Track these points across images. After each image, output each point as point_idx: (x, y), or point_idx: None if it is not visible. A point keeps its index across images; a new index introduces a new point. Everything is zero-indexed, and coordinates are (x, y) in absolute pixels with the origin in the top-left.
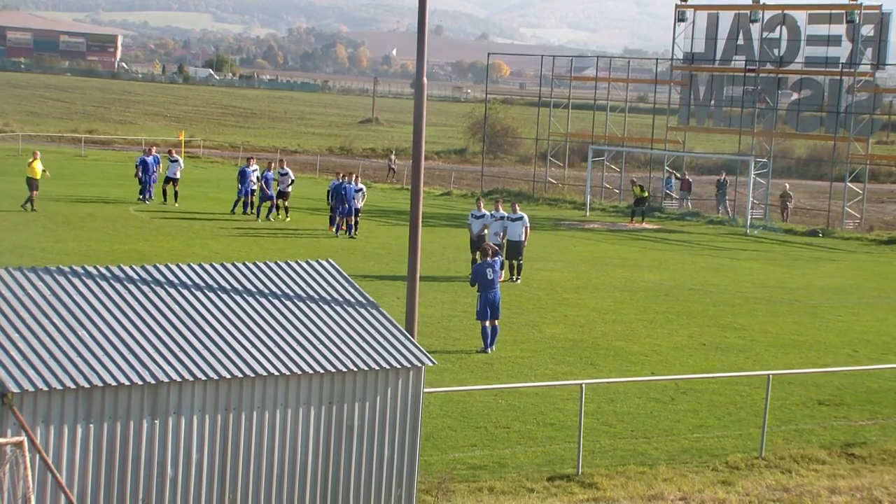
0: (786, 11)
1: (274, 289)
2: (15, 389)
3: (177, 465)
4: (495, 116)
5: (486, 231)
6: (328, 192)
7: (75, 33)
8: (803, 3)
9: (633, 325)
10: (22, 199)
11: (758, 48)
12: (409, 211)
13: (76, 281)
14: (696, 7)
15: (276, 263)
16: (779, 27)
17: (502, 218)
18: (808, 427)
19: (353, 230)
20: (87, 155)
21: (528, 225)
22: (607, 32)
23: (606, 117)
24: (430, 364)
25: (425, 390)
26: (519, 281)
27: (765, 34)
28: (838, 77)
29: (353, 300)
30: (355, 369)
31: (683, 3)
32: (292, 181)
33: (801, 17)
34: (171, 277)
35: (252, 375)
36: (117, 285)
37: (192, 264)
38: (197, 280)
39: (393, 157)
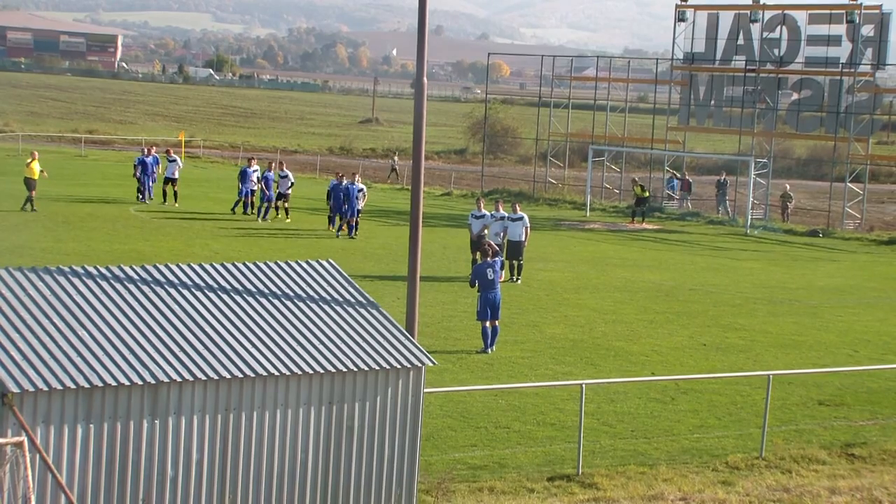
0: (786, 11)
1: (274, 289)
2: (15, 389)
3: (177, 465)
4: (495, 116)
5: (486, 231)
6: (328, 192)
7: (75, 33)
8: (803, 3)
9: (634, 325)
10: (22, 199)
11: (758, 48)
12: (409, 211)
13: (76, 281)
14: (697, 7)
15: (276, 263)
16: (779, 27)
17: (502, 218)
18: (808, 427)
19: (353, 230)
20: (87, 155)
21: (529, 225)
22: (607, 32)
23: (606, 117)
24: (431, 364)
25: (425, 390)
26: (519, 281)
27: (765, 34)
28: (838, 77)
29: (353, 300)
30: (355, 369)
31: (683, 3)
32: (292, 184)
33: (801, 17)
34: (171, 277)
35: (252, 375)
36: (117, 285)
37: (192, 264)
38: (197, 280)
39: (396, 158)
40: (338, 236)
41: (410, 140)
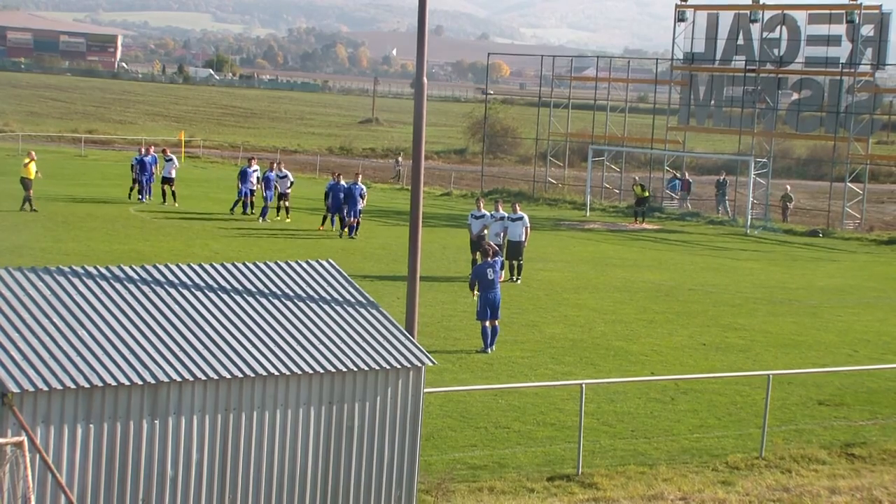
0: (786, 11)
1: (274, 289)
2: (15, 389)
3: (177, 465)
4: (495, 116)
5: (486, 231)
6: (326, 192)
7: (75, 33)
8: (803, 3)
9: (633, 325)
10: (21, 199)
11: (758, 48)
12: (409, 211)
13: (76, 281)
14: (696, 7)
15: (276, 263)
16: (779, 27)
17: (502, 218)
18: (808, 427)
19: (353, 231)
20: (87, 155)
21: (529, 225)
22: (607, 32)
23: (606, 117)
24: (430, 364)
25: (425, 390)
26: (519, 281)
27: (765, 34)
28: (838, 77)
29: (353, 300)
30: (355, 369)
31: (683, 3)
32: (291, 183)
33: (801, 17)
34: (171, 277)
35: (252, 375)
36: (117, 285)
37: (192, 264)
38: (197, 280)
39: (400, 158)
40: (340, 236)
41: (410, 140)
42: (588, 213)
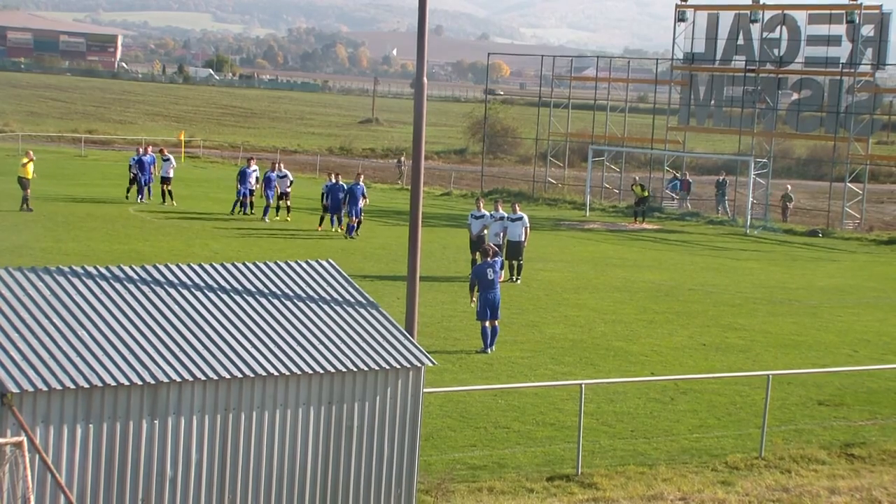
0: (786, 11)
1: (274, 289)
2: (15, 389)
3: (177, 465)
4: (495, 116)
5: (485, 231)
6: (323, 192)
7: (75, 33)
8: (803, 3)
9: (633, 325)
10: (20, 199)
11: (758, 48)
12: (409, 211)
13: (76, 281)
14: (697, 7)
15: (276, 263)
16: (779, 27)
17: (502, 218)
18: (807, 427)
19: (353, 231)
20: (87, 155)
21: (528, 225)
22: (607, 32)
23: (606, 117)
24: (430, 364)
25: (425, 390)
26: (519, 281)
27: (765, 34)
28: (838, 77)
29: (353, 300)
30: (355, 369)
31: (683, 3)
32: (291, 182)
33: (801, 17)
34: (171, 277)
35: (252, 375)
36: (117, 285)
37: (192, 264)
38: (197, 280)
39: (403, 159)
40: (346, 237)
41: (410, 140)
42: (588, 213)
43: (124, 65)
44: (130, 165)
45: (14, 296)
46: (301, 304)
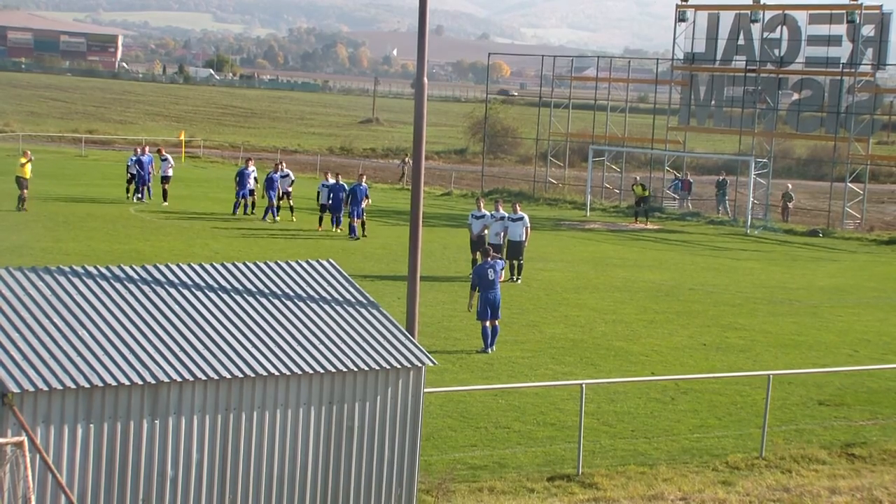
0: (786, 11)
1: (274, 289)
2: (15, 389)
3: (177, 465)
4: (496, 116)
5: (486, 231)
6: (318, 192)
7: (76, 33)
8: (804, 3)
9: (634, 325)
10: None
11: (758, 48)
12: (409, 211)
13: (76, 281)
14: (697, 7)
15: (276, 263)
16: (779, 27)
17: (503, 218)
18: (808, 427)
19: (354, 232)
20: (87, 155)
21: (529, 225)
22: (607, 32)
23: (607, 117)
24: (431, 364)
25: (425, 390)
26: (519, 281)
27: (765, 34)
28: (839, 77)
29: (353, 300)
30: (355, 369)
31: (684, 3)
32: (292, 181)
33: (801, 17)
34: (171, 277)
35: (252, 375)
36: (117, 285)
37: (192, 264)
38: (197, 280)
39: (407, 159)
40: (349, 237)
41: (411, 140)
42: (588, 213)
43: (125, 65)
44: (128, 165)
45: (14, 296)
46: (301, 304)
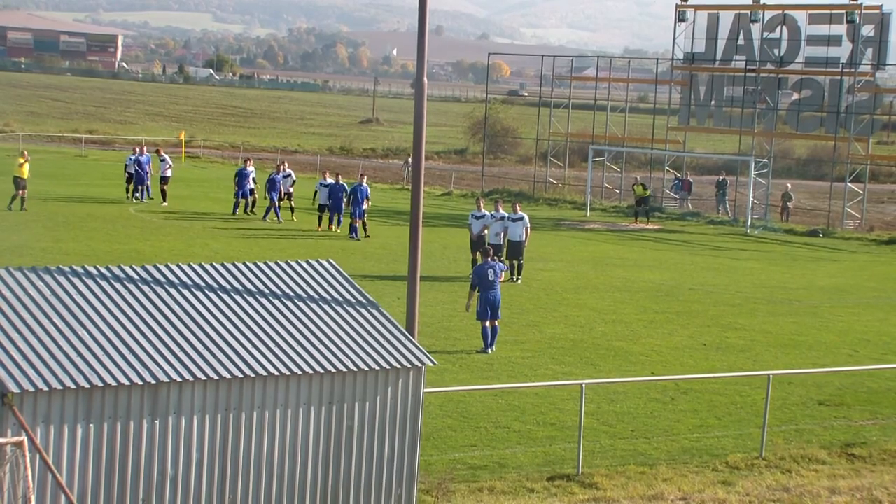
0: (786, 11)
1: (274, 289)
2: (15, 389)
3: (177, 465)
4: (496, 116)
5: (486, 231)
6: (315, 191)
7: (75, 33)
8: (803, 3)
9: (634, 325)
10: (20, 199)
11: (758, 48)
12: (409, 211)
13: (76, 281)
14: (697, 7)
15: (276, 263)
16: (779, 27)
17: (503, 218)
18: (808, 427)
19: (355, 232)
20: (87, 155)
21: (529, 225)
22: (607, 32)
23: (607, 117)
24: (431, 364)
25: (425, 390)
26: (519, 281)
27: (765, 34)
28: (839, 77)
29: (353, 300)
30: (355, 369)
31: (684, 3)
32: (294, 181)
33: (801, 17)
34: (171, 277)
35: (252, 375)
36: (117, 285)
37: (192, 264)
38: (197, 280)
39: (410, 160)
40: (357, 237)
41: (411, 140)
42: (588, 213)
43: (124, 65)
44: (127, 164)
45: (14, 296)
46: (301, 304)
